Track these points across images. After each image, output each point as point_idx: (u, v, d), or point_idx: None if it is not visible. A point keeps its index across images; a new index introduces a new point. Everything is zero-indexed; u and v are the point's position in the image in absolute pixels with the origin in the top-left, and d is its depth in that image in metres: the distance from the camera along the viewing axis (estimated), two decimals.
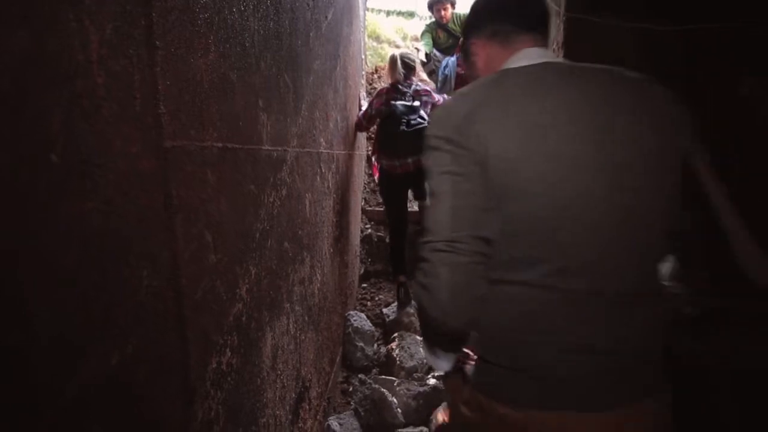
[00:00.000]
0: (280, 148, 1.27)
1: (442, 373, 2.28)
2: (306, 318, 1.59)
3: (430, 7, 4.39)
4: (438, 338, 0.81)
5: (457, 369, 0.85)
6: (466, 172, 0.68)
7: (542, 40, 0.82)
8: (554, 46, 2.88)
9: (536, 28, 0.81)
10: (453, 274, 0.66)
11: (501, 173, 0.67)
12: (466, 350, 0.85)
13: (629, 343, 0.70)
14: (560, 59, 0.82)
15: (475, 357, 0.80)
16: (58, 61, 0.49)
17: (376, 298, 3.10)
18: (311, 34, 1.63)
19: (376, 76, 4.64)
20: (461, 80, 4.00)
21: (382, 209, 3.46)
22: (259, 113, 1.09)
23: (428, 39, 4.24)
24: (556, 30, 2.87)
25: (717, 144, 2.84)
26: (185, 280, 0.74)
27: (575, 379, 0.69)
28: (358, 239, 3.35)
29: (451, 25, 4.44)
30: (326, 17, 1.93)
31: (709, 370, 0.73)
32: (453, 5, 4.37)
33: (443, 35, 4.47)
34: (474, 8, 0.87)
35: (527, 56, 0.78)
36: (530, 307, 0.69)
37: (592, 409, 0.69)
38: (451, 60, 4.12)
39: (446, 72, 4.01)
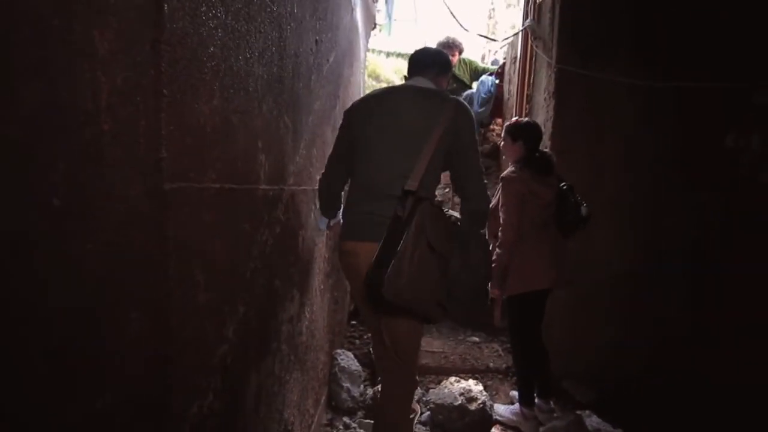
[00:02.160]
0: (276, 187, 1.29)
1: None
2: (292, 357, 1.57)
3: None
4: (322, 210, 1.79)
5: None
6: (343, 135, 1.68)
7: (428, 75, 1.68)
8: (545, 95, 2.99)
9: (423, 71, 1.69)
10: (327, 183, 1.72)
11: (354, 135, 1.63)
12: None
13: (383, 213, 1.50)
14: (413, 83, 1.67)
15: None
16: (69, 110, 0.51)
17: (365, 336, 3.03)
18: (313, 77, 1.68)
19: None
20: (498, 101, 4.43)
21: None
22: (258, 154, 1.12)
23: None
24: (547, 80, 2.98)
25: (704, 196, 2.87)
26: (174, 321, 0.74)
27: (360, 225, 1.57)
28: None
29: (456, 71, 4.57)
30: (328, 60, 2.00)
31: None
32: (460, 52, 4.53)
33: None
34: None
35: (405, 83, 1.73)
36: (357, 194, 1.62)
37: (365, 239, 1.52)
38: (492, 80, 4.37)
39: (491, 89, 4.34)
